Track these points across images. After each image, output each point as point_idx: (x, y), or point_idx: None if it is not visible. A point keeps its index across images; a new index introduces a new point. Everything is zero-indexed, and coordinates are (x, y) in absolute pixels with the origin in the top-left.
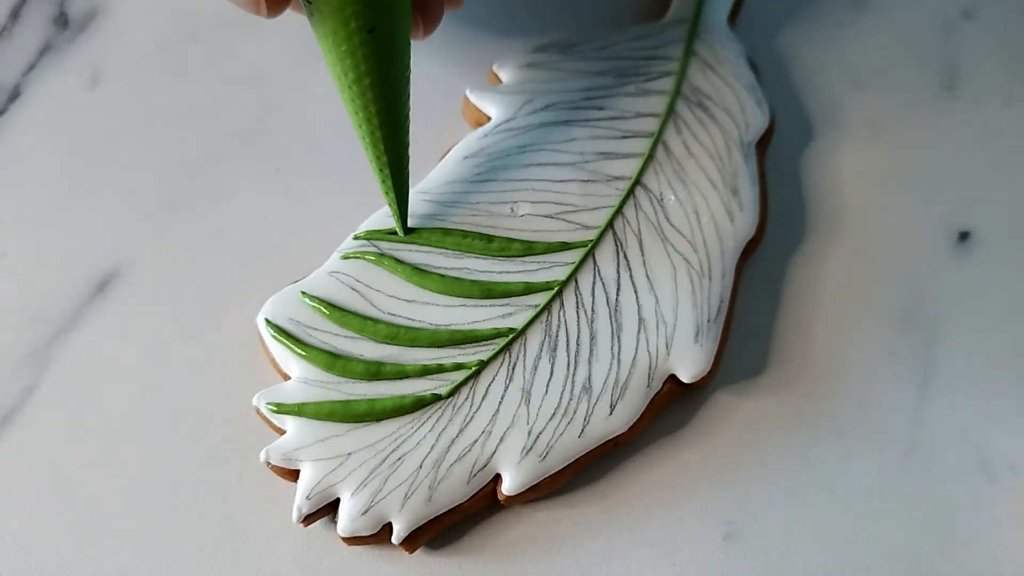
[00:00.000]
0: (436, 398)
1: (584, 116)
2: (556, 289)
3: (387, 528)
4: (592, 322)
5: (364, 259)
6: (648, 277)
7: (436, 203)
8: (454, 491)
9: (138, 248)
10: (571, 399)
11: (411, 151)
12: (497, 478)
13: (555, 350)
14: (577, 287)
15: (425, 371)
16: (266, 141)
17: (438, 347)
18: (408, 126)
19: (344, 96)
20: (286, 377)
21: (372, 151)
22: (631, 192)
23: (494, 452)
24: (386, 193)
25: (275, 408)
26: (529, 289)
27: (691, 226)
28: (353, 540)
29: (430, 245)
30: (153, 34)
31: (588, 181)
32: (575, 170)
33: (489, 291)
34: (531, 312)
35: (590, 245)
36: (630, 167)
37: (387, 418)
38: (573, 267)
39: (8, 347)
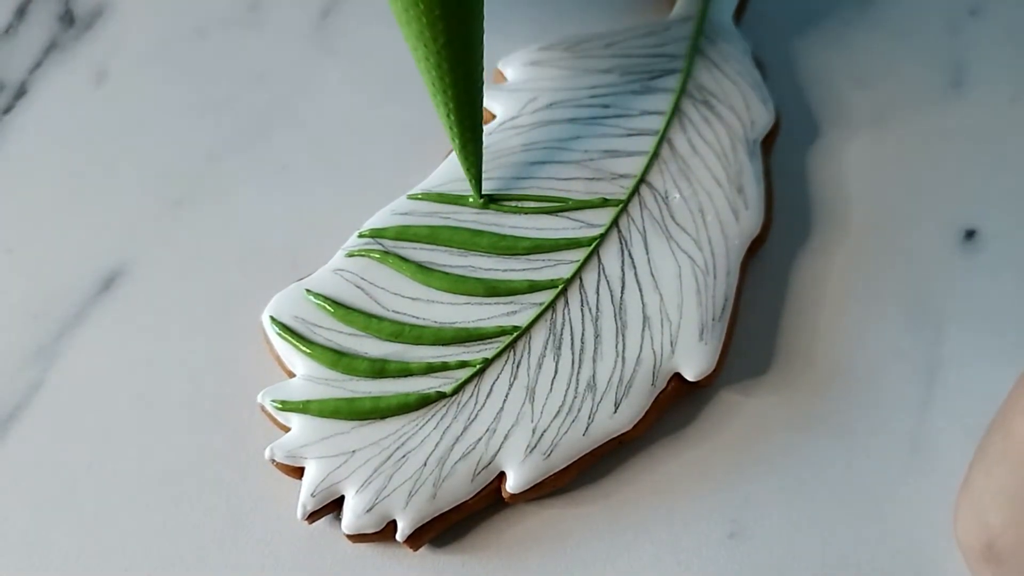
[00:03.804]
0: (441, 396)
1: (589, 114)
2: (561, 287)
3: (391, 525)
4: (596, 320)
5: (369, 257)
6: (653, 275)
7: (440, 201)
8: (458, 489)
9: (144, 246)
10: (575, 397)
11: (415, 149)
12: (501, 476)
13: (559, 348)
14: (582, 285)
15: (430, 369)
16: (272, 139)
17: (443, 345)
18: (482, 89)
19: (429, 64)
20: (291, 375)
21: (455, 116)
22: (636, 190)
23: (498, 450)
24: (465, 159)
25: (280, 405)
26: (534, 287)
27: (696, 224)
28: (357, 537)
29: (435, 243)
30: (159, 32)
31: (593, 179)
32: (580, 168)
33: (494, 289)
34: (536, 310)
35: (595, 243)
36: (635, 165)
37: (392, 416)
38: (578, 265)
39: (14, 344)
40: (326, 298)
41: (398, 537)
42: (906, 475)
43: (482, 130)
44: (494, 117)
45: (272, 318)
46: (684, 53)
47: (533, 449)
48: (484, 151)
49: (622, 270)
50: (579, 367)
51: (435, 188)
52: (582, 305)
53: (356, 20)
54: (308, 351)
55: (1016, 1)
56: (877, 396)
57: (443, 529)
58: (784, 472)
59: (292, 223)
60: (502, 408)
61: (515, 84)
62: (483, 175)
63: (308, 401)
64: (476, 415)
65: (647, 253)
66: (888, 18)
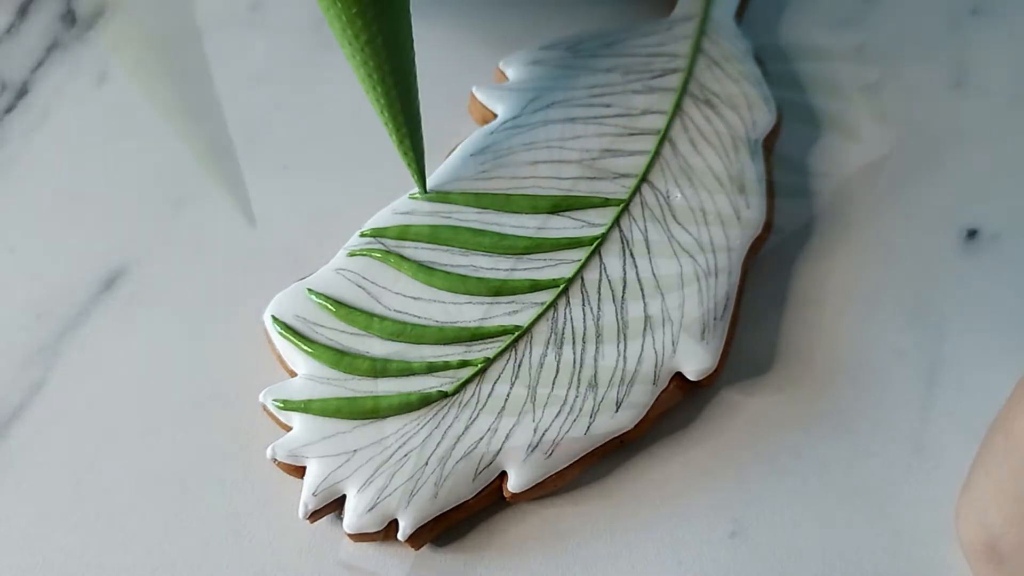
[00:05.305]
0: (442, 395)
1: (590, 113)
2: (562, 287)
3: (393, 525)
4: (598, 320)
5: (370, 256)
6: (654, 275)
7: (441, 200)
8: (460, 488)
9: (145, 245)
10: (577, 396)
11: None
12: (503, 475)
13: (561, 347)
14: (583, 285)
15: (431, 368)
16: (273, 139)
17: (444, 344)
18: (416, 82)
19: (356, 61)
20: (293, 374)
21: (388, 112)
22: (637, 189)
23: (500, 449)
24: (404, 153)
25: (281, 405)
26: (535, 287)
27: (697, 224)
28: (359, 537)
29: (436, 242)
30: (159, 32)
31: (594, 178)
32: (581, 167)
33: (495, 288)
34: (537, 309)
35: (596, 243)
36: (636, 164)
37: (393, 415)
38: (579, 265)
39: (16, 343)
40: (328, 297)
41: (399, 536)
42: (907, 475)
43: (420, 124)
44: (495, 116)
45: (274, 317)
46: (685, 52)
47: (534, 448)
48: (486, 151)
49: (623, 270)
50: (580, 366)
51: (437, 187)
52: (583, 304)
53: None
54: (310, 350)
55: (1018, 1)
56: (878, 396)
57: (444, 528)
58: (785, 472)
59: (293, 223)
60: (503, 407)
61: (516, 84)
62: (484, 175)
63: (310, 400)
64: (477, 414)
65: (648, 253)
66: (890, 17)
